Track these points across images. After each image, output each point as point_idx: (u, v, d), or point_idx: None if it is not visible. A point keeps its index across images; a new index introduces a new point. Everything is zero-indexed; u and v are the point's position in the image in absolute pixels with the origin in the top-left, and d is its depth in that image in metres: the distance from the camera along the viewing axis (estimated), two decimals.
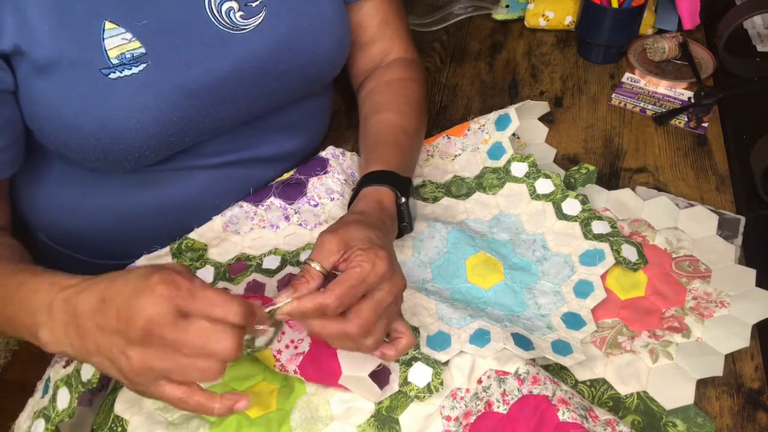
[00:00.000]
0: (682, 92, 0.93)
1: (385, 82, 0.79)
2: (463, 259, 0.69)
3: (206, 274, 0.69)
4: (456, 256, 0.69)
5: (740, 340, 0.62)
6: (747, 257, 0.71)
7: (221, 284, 0.68)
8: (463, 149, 0.81)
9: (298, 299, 0.51)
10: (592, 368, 0.61)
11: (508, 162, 0.78)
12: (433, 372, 0.58)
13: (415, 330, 0.61)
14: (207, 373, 0.45)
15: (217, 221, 0.71)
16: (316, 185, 0.74)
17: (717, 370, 0.61)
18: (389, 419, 0.56)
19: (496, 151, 0.79)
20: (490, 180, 0.78)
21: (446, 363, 0.59)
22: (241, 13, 0.65)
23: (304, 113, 0.77)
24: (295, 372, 0.57)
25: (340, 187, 0.74)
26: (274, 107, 0.72)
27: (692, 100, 0.91)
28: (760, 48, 1.00)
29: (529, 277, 0.68)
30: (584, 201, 0.73)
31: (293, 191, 0.74)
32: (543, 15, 1.04)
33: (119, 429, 0.56)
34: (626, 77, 0.96)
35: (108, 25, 0.58)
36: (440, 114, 0.93)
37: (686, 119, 0.89)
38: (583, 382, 0.60)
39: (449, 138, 0.82)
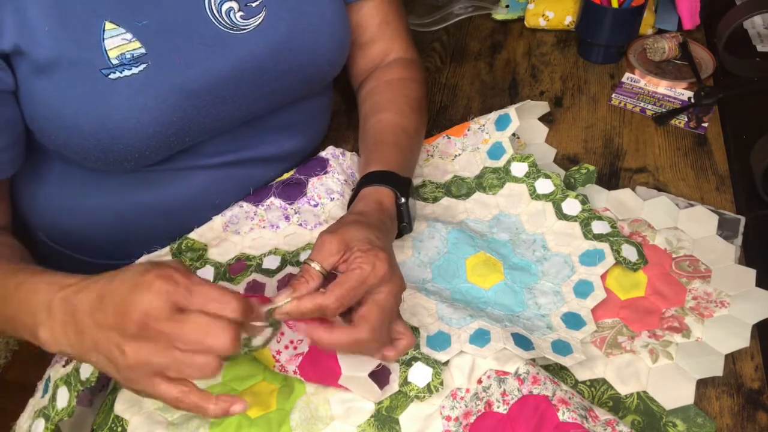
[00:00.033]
0: (682, 92, 0.93)
1: (385, 82, 0.79)
2: (463, 259, 0.69)
3: (206, 274, 0.69)
4: (456, 256, 0.69)
5: (740, 340, 0.62)
6: (747, 257, 0.71)
7: (221, 284, 0.68)
8: (463, 149, 0.81)
9: (298, 299, 0.51)
10: (592, 368, 0.61)
11: (508, 162, 0.78)
12: (433, 372, 0.58)
13: (415, 330, 0.61)
14: (204, 368, 0.45)
15: (217, 221, 0.71)
16: (316, 185, 0.74)
17: (717, 370, 0.61)
18: (389, 419, 0.56)
19: (496, 151, 0.79)
20: (490, 180, 0.78)
21: (446, 363, 0.59)
22: (241, 13, 0.65)
23: (304, 113, 0.77)
24: (295, 373, 0.57)
25: (340, 187, 0.74)
26: (274, 107, 0.72)
27: (692, 100, 0.91)
28: (760, 48, 1.00)
29: (529, 277, 0.68)
30: (584, 201, 0.73)
31: (293, 191, 0.74)
32: (543, 15, 1.04)
33: (119, 429, 0.56)
34: (626, 77, 0.96)
35: (108, 25, 0.58)
36: (440, 114, 0.93)
37: (686, 119, 0.89)
38: (583, 382, 0.60)
39: (449, 138, 0.82)
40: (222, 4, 0.64)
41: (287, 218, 0.73)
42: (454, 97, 0.96)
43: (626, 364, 0.61)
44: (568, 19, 1.04)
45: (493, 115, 0.81)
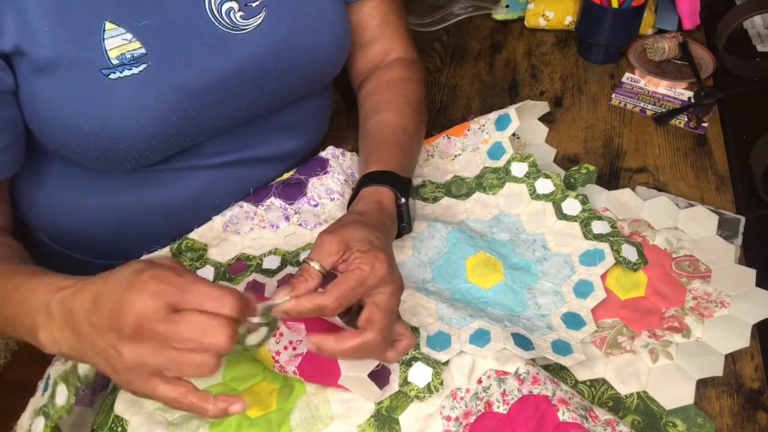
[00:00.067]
0: (682, 92, 0.93)
1: (385, 82, 0.79)
2: (463, 259, 0.69)
3: (206, 274, 0.69)
4: (456, 256, 0.69)
5: (740, 340, 0.62)
6: (747, 257, 0.71)
7: (220, 284, 0.68)
8: (463, 149, 0.81)
9: (296, 298, 0.51)
10: (592, 368, 0.61)
11: (508, 162, 0.78)
12: (433, 372, 0.58)
13: (415, 330, 0.61)
14: (202, 367, 0.45)
15: (217, 221, 0.71)
16: (316, 185, 0.74)
17: (717, 370, 0.61)
18: (389, 419, 0.56)
19: (496, 151, 0.79)
20: (490, 180, 0.78)
21: (446, 363, 0.59)
22: (241, 13, 0.65)
23: (304, 113, 0.77)
24: (295, 373, 0.57)
25: (340, 187, 0.74)
26: (274, 107, 0.72)
27: (692, 100, 0.91)
28: (760, 48, 1.00)
29: (529, 277, 0.68)
30: (584, 201, 0.73)
31: (293, 191, 0.74)
32: (543, 15, 1.04)
33: (119, 429, 0.56)
34: (626, 77, 0.96)
35: (108, 25, 0.58)
36: (440, 114, 0.93)
37: (686, 119, 0.89)
38: (583, 382, 0.60)
39: (449, 138, 0.82)
40: (222, 4, 0.64)
41: (287, 218, 0.73)
42: (454, 97, 0.96)
43: (626, 364, 0.61)
44: (568, 19, 1.04)
45: (493, 115, 0.81)
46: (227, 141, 0.71)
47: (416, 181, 0.79)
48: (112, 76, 0.59)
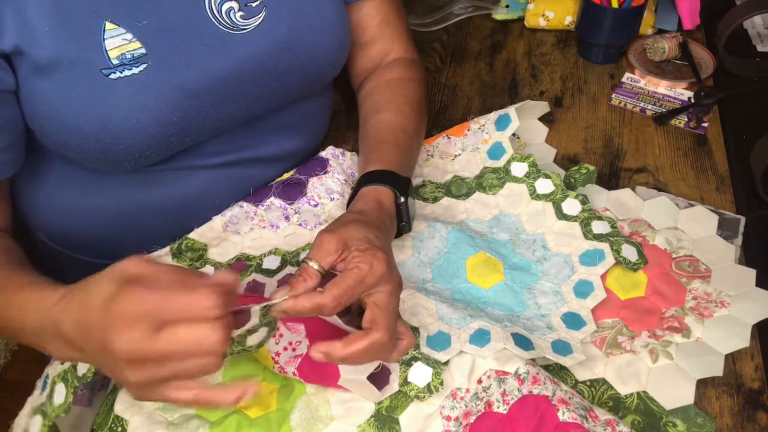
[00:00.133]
0: (682, 92, 0.93)
1: (385, 81, 0.79)
2: (463, 259, 0.69)
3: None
4: (456, 256, 0.69)
5: (740, 340, 0.62)
6: (747, 257, 0.71)
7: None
8: (463, 149, 0.81)
9: (295, 297, 0.51)
10: (592, 368, 0.61)
11: (508, 162, 0.78)
12: (433, 372, 0.58)
13: (415, 330, 0.61)
14: (206, 368, 0.45)
15: (217, 221, 0.71)
16: (316, 185, 0.74)
17: (717, 370, 0.61)
18: (389, 419, 0.56)
19: (496, 151, 0.79)
20: (490, 180, 0.78)
21: (446, 363, 0.59)
22: (241, 13, 0.65)
23: (304, 113, 0.77)
24: (294, 374, 0.57)
25: (340, 187, 0.74)
26: (274, 107, 0.72)
27: (692, 100, 0.91)
28: (760, 48, 1.00)
29: (529, 277, 0.68)
30: (584, 201, 0.73)
31: (293, 191, 0.74)
32: (543, 15, 1.04)
33: (119, 429, 0.56)
34: (626, 77, 0.96)
35: (108, 25, 0.58)
36: (440, 114, 0.93)
37: (686, 119, 0.89)
38: (583, 382, 0.60)
39: (449, 138, 0.82)
40: (222, 4, 0.64)
41: (287, 218, 0.73)
42: (454, 97, 0.96)
43: (626, 364, 0.61)
44: (568, 19, 1.04)
45: (493, 115, 0.81)
46: (227, 141, 0.71)
47: (416, 181, 0.79)
48: (112, 76, 0.59)
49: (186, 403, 0.47)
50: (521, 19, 1.08)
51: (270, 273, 0.69)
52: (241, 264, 0.70)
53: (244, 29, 0.65)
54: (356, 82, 0.84)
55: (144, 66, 0.60)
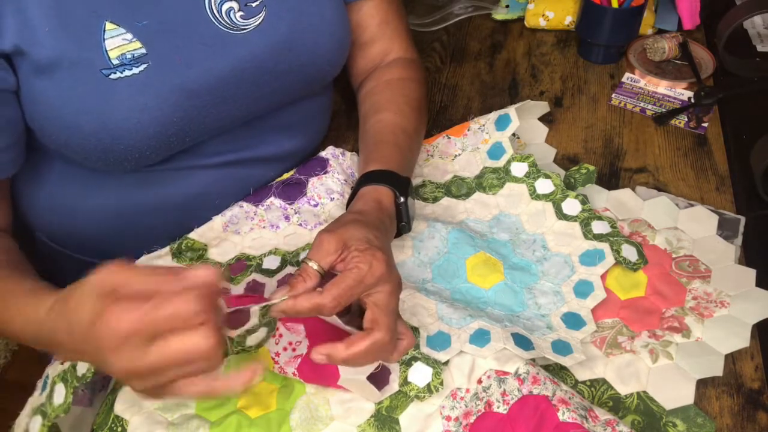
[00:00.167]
0: (682, 92, 0.93)
1: (385, 81, 0.79)
2: (463, 259, 0.69)
3: None
4: (456, 256, 0.69)
5: (740, 340, 0.62)
6: (747, 257, 0.71)
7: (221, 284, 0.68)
8: (463, 149, 0.81)
9: (295, 298, 0.51)
10: (592, 368, 0.61)
11: (508, 162, 0.78)
12: (433, 372, 0.58)
13: (415, 330, 0.61)
14: (207, 368, 0.45)
15: (217, 221, 0.71)
16: (316, 185, 0.74)
17: (717, 370, 0.61)
18: (389, 419, 0.56)
19: (496, 151, 0.79)
20: (490, 180, 0.78)
21: (446, 363, 0.59)
22: (241, 13, 0.65)
23: (304, 113, 0.77)
24: (294, 375, 0.57)
25: (340, 187, 0.74)
26: (274, 107, 0.72)
27: (692, 100, 0.91)
28: (760, 48, 1.00)
29: (529, 277, 0.68)
30: (584, 201, 0.73)
31: (293, 191, 0.74)
32: (543, 15, 1.04)
33: (119, 429, 0.56)
34: (626, 77, 0.96)
35: (108, 25, 0.58)
36: (440, 114, 0.93)
37: (686, 119, 0.89)
38: (583, 382, 0.60)
39: (449, 138, 0.82)
40: (222, 4, 0.64)
41: (287, 218, 0.73)
42: (454, 97, 0.96)
43: (626, 364, 0.61)
44: (568, 19, 1.04)
45: (493, 115, 0.81)
46: (227, 141, 0.71)
47: (416, 181, 0.79)
48: (112, 76, 0.59)
49: (198, 396, 0.47)
50: (521, 19, 1.08)
51: (270, 273, 0.69)
52: (241, 264, 0.70)
53: (244, 29, 0.65)
54: (356, 82, 0.84)
55: (144, 66, 0.60)
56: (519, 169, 0.77)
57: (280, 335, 0.59)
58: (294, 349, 0.58)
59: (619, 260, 0.68)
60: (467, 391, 0.57)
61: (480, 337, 0.59)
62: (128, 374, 0.44)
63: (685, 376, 0.60)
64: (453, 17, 1.10)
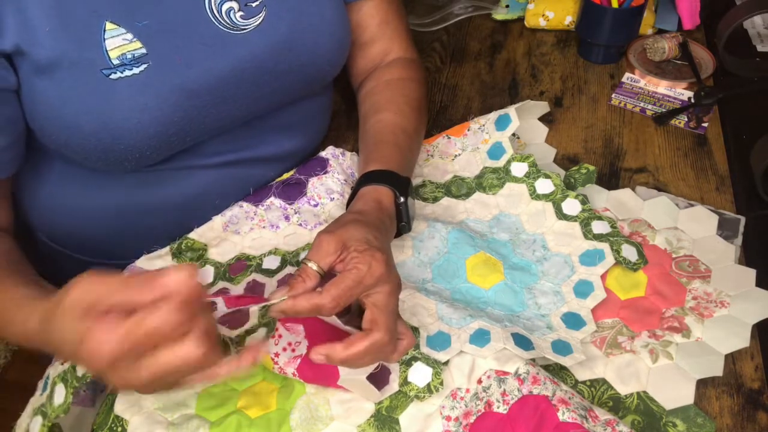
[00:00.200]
0: (682, 92, 0.93)
1: (385, 81, 0.79)
2: (463, 259, 0.69)
3: (206, 274, 0.69)
4: (456, 256, 0.69)
5: (740, 340, 0.62)
6: (747, 257, 0.71)
7: (221, 284, 0.68)
8: (463, 149, 0.81)
9: (294, 298, 0.51)
10: (592, 368, 0.61)
11: (508, 162, 0.78)
12: (433, 372, 0.58)
13: (415, 330, 0.61)
14: (204, 370, 0.45)
15: (217, 221, 0.71)
16: (316, 185, 0.74)
17: (717, 370, 0.61)
18: (389, 419, 0.56)
19: (496, 151, 0.79)
20: (490, 180, 0.78)
21: (446, 363, 0.59)
22: (241, 13, 0.65)
23: (304, 113, 0.77)
24: (294, 375, 0.57)
25: (340, 187, 0.74)
26: (274, 107, 0.72)
27: (692, 100, 0.91)
28: (760, 48, 1.00)
29: (529, 277, 0.68)
30: (584, 201, 0.73)
31: (293, 191, 0.74)
32: (543, 15, 1.04)
33: (119, 429, 0.56)
34: (626, 77, 0.96)
35: (109, 25, 0.58)
36: (440, 114, 0.93)
37: (686, 119, 0.89)
38: (583, 382, 0.60)
39: (449, 138, 0.82)
40: (222, 4, 0.64)
41: (287, 218, 0.73)
42: (454, 97, 0.96)
43: (626, 364, 0.61)
44: (568, 19, 1.04)
45: (493, 115, 0.81)
46: (227, 141, 0.71)
47: (416, 181, 0.79)
48: (112, 76, 0.59)
49: (209, 381, 0.47)
50: (521, 19, 1.08)
51: (270, 273, 0.69)
52: (241, 264, 0.70)
53: (244, 29, 0.65)
54: (356, 82, 0.84)
55: (144, 66, 0.60)
56: (519, 169, 0.77)
57: (280, 336, 0.59)
58: (293, 350, 0.58)
59: (619, 260, 0.68)
60: (467, 391, 0.57)
61: (480, 337, 0.59)
62: (126, 388, 0.45)
63: (685, 376, 0.60)
64: (453, 17, 1.10)
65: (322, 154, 0.77)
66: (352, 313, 0.58)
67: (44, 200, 0.72)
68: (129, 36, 0.59)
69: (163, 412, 0.57)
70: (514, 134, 0.84)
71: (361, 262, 0.53)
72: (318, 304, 0.51)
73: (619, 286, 0.68)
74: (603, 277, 0.68)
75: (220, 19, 0.64)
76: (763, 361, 0.62)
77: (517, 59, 1.02)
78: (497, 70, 1.00)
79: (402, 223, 0.66)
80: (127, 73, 0.59)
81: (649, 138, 0.86)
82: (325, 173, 0.75)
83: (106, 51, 0.58)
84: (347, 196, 0.73)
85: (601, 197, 0.77)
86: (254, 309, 0.63)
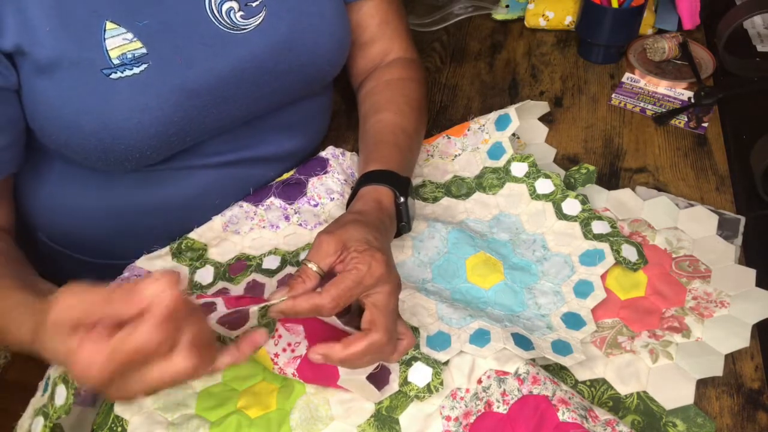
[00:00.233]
0: (682, 92, 0.93)
1: (385, 81, 0.79)
2: (463, 259, 0.69)
3: (206, 274, 0.69)
4: (456, 256, 0.69)
5: (740, 340, 0.62)
6: (747, 257, 0.71)
7: (221, 284, 0.68)
8: (463, 149, 0.81)
9: (294, 298, 0.51)
10: (592, 368, 0.61)
11: (508, 162, 0.78)
12: (433, 372, 0.58)
13: (415, 330, 0.61)
14: (200, 376, 0.45)
15: (217, 221, 0.71)
16: (316, 185, 0.74)
17: (717, 370, 0.61)
18: (389, 419, 0.56)
19: (496, 151, 0.79)
20: (490, 180, 0.78)
21: (446, 363, 0.59)
22: (241, 13, 0.65)
23: (304, 113, 0.77)
24: (294, 375, 0.57)
25: (340, 187, 0.74)
26: (274, 107, 0.72)
27: (692, 100, 0.91)
28: (760, 48, 1.00)
29: (529, 277, 0.68)
30: (584, 201, 0.73)
31: (293, 191, 0.74)
32: (543, 15, 1.04)
33: (119, 429, 0.56)
34: (626, 77, 0.96)
35: (109, 25, 0.59)
36: (440, 114, 0.93)
37: (686, 119, 0.89)
38: (583, 382, 0.60)
39: (449, 138, 0.82)
40: (222, 4, 0.64)
41: (287, 218, 0.73)
42: (454, 97, 0.96)
43: (626, 364, 0.61)
44: (568, 19, 1.04)
45: (493, 115, 0.81)
46: (227, 141, 0.71)
47: (416, 181, 0.79)
48: (113, 75, 0.59)
49: (213, 372, 0.47)
50: (521, 19, 1.08)
51: (270, 273, 0.69)
52: (241, 264, 0.70)
53: (244, 29, 0.65)
54: (356, 82, 0.84)
55: (145, 66, 0.60)
56: (519, 169, 0.77)
57: (279, 336, 0.59)
58: (293, 350, 0.58)
59: (619, 260, 0.68)
60: (467, 391, 0.57)
61: (480, 337, 0.59)
62: (123, 400, 0.45)
63: (685, 376, 0.60)
64: (453, 17, 1.10)
65: (322, 154, 0.77)
66: (352, 314, 0.58)
67: (44, 200, 0.72)
68: (129, 36, 0.59)
69: (163, 412, 0.57)
70: (514, 134, 0.84)
71: (360, 262, 0.53)
72: (318, 304, 0.51)
73: (619, 286, 0.68)
74: (603, 277, 0.68)
75: (220, 19, 0.64)
76: (763, 361, 0.62)
77: (517, 59, 1.02)
78: (497, 70, 1.00)
79: (402, 223, 0.66)
80: (128, 72, 0.59)
81: (649, 138, 0.86)
82: (325, 173, 0.75)
83: (107, 51, 0.58)
84: (347, 196, 0.73)
85: (601, 197, 0.77)
86: (254, 309, 0.62)
